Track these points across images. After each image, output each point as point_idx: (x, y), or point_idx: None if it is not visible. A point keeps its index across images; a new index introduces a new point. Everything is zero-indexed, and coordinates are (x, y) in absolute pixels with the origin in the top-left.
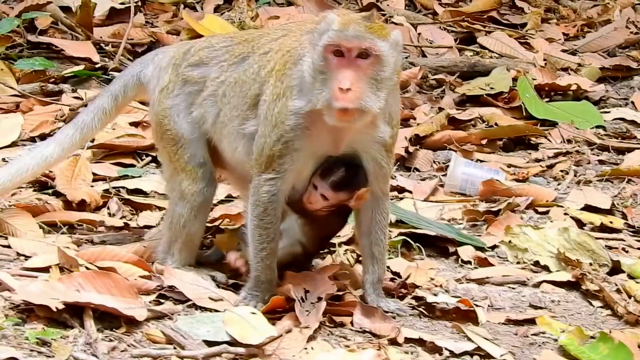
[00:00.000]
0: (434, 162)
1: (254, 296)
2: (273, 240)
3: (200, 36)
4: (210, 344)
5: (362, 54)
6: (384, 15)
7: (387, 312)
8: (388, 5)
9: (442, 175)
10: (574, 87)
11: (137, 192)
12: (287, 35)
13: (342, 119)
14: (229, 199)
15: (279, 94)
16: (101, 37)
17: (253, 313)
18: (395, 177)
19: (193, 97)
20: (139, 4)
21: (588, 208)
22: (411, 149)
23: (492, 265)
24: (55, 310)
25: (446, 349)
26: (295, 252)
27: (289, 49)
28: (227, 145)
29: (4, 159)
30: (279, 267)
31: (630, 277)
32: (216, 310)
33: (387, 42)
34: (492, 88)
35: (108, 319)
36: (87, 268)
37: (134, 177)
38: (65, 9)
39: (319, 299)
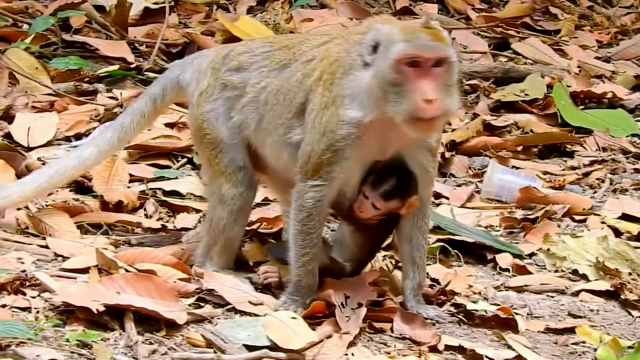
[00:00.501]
0: (470, 168)
1: (294, 301)
2: (316, 246)
3: (235, 37)
4: (250, 348)
5: (437, 62)
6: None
7: (426, 319)
8: (421, 9)
9: (478, 182)
10: (609, 95)
11: (174, 193)
12: (329, 42)
13: (427, 129)
14: (265, 202)
15: (327, 103)
16: (135, 37)
17: (293, 318)
18: None
19: (232, 102)
20: (172, 4)
21: (625, 217)
22: (447, 154)
23: (531, 273)
24: (95, 312)
25: (487, 357)
26: (345, 266)
27: (336, 58)
28: (271, 152)
29: (39, 159)
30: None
31: None
32: (256, 315)
33: (451, 47)
34: (526, 94)
35: (148, 321)
36: (127, 270)
37: (170, 178)
38: (99, 8)
39: (360, 304)
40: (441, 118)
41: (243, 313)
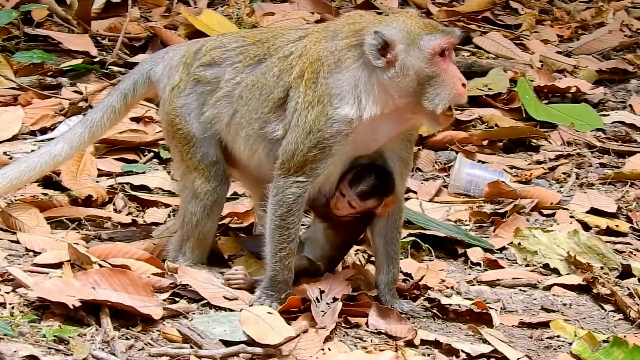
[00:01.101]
0: (436, 162)
1: (269, 296)
2: (293, 241)
3: (198, 31)
4: (227, 343)
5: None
6: (379, 13)
7: (401, 313)
8: (381, 3)
9: (445, 176)
10: (573, 90)
11: (142, 188)
12: (305, 37)
13: (452, 117)
14: (234, 196)
15: (312, 102)
16: (97, 31)
17: (270, 313)
18: None
19: (205, 97)
20: None
21: (593, 211)
22: (414, 149)
23: (502, 267)
24: (72, 307)
25: (463, 351)
26: (315, 264)
27: (317, 57)
28: (244, 146)
29: (5, 153)
30: (298, 274)
31: None
32: (231, 310)
33: None
34: (490, 89)
35: (124, 316)
36: (101, 265)
37: (138, 173)
38: (60, 2)
39: (335, 299)
40: None
41: (218, 308)
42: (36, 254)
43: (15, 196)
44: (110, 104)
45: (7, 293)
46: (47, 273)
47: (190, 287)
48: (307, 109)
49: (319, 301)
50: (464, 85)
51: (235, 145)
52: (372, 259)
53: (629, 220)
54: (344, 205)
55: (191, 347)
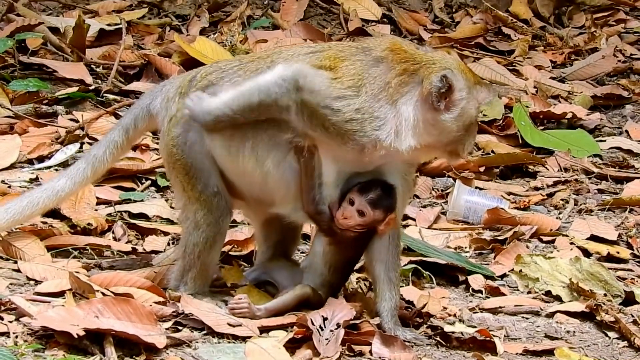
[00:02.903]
0: (434, 189)
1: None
2: None
3: (192, 59)
4: None
5: None
6: None
7: (405, 341)
8: (374, 30)
9: (443, 203)
10: (569, 115)
11: (141, 216)
12: (321, 52)
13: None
14: (234, 224)
15: (358, 109)
16: (92, 59)
17: (275, 345)
18: None
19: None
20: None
21: (593, 238)
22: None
23: (504, 294)
24: (76, 336)
25: None
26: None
27: (358, 73)
28: (249, 159)
29: (3, 181)
30: (299, 306)
31: None
32: (235, 336)
33: None
34: (485, 115)
35: (127, 345)
36: (104, 294)
37: (136, 201)
38: (54, 30)
39: (338, 325)
40: None
41: (221, 336)
42: (37, 282)
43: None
44: (113, 139)
45: (11, 322)
46: (50, 302)
47: (193, 315)
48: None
49: (322, 329)
50: None
51: (238, 161)
52: (374, 286)
53: (629, 246)
54: (352, 214)
55: None
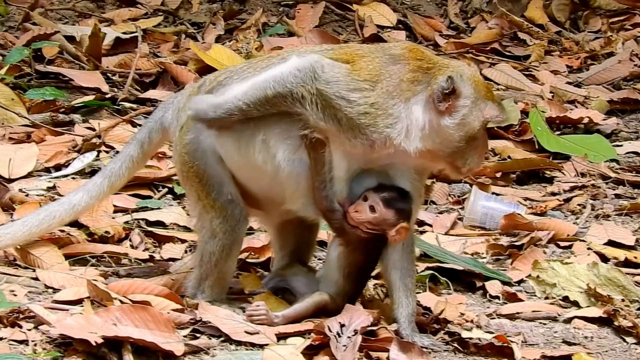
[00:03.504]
0: (450, 195)
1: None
2: None
3: (208, 66)
4: None
5: None
6: None
7: (422, 347)
8: (389, 36)
9: (460, 209)
10: (585, 120)
11: (158, 224)
12: (333, 51)
13: (472, 171)
14: (250, 231)
15: (373, 104)
16: (108, 67)
17: (293, 352)
18: None
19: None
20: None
21: (611, 243)
22: (427, 181)
23: (521, 300)
24: (94, 344)
25: None
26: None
27: (375, 70)
28: (258, 153)
29: (20, 190)
30: (316, 313)
31: None
32: (252, 344)
33: None
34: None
35: (145, 353)
36: (122, 302)
37: (153, 208)
38: (69, 39)
39: (355, 332)
40: None
41: (239, 344)
42: (55, 290)
43: None
44: (128, 154)
45: (29, 330)
46: (68, 310)
47: (211, 323)
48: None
49: (339, 336)
50: (486, 154)
51: (248, 156)
52: (390, 293)
53: None
54: (364, 209)
55: None
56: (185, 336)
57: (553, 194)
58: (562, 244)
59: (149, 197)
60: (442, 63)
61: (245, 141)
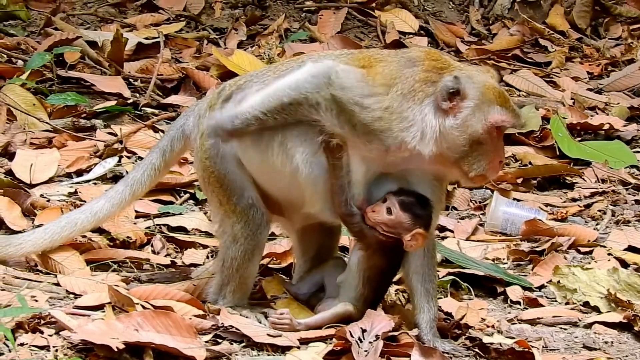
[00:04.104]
0: (471, 200)
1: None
2: None
3: (230, 72)
4: None
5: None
6: None
7: (444, 352)
8: (411, 42)
9: (481, 214)
10: (606, 127)
11: (179, 229)
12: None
13: (485, 180)
14: (272, 237)
15: (387, 107)
16: (129, 72)
17: (315, 358)
18: None
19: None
20: (164, 39)
21: (631, 249)
22: (449, 187)
23: (542, 305)
24: (115, 350)
25: None
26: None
27: (392, 73)
28: (277, 155)
29: (42, 195)
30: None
31: None
32: (274, 349)
33: None
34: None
35: (167, 358)
36: (143, 307)
37: (175, 214)
38: (91, 44)
39: (377, 337)
40: None
41: (260, 349)
42: (77, 296)
43: None
44: (150, 162)
45: (50, 336)
46: (89, 315)
47: (233, 328)
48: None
49: (361, 341)
50: (501, 163)
51: (267, 158)
52: (412, 298)
53: None
54: (381, 210)
55: None
56: (207, 342)
57: (574, 199)
58: (582, 249)
59: (171, 202)
60: (457, 66)
61: (265, 144)
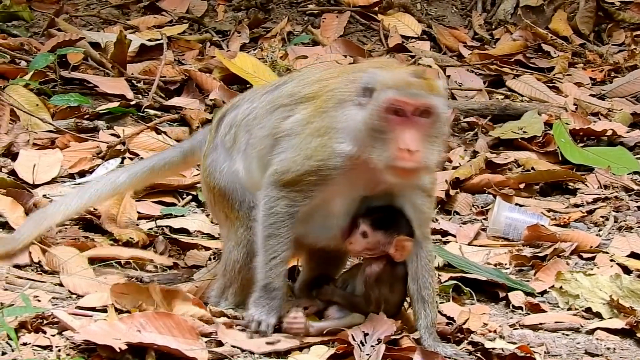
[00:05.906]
0: (474, 205)
1: (263, 305)
2: (285, 251)
3: (233, 74)
4: None
5: (423, 112)
6: (412, 57)
7: (445, 357)
8: (414, 46)
9: (483, 219)
10: (609, 133)
11: (182, 231)
12: (330, 69)
13: (405, 176)
14: None
15: (318, 131)
16: (132, 74)
17: None
18: (437, 220)
19: (230, 143)
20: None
21: (634, 255)
22: (451, 192)
23: (544, 311)
24: (118, 350)
25: None
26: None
27: (333, 88)
28: (257, 167)
29: (45, 196)
30: None
31: None
32: (277, 353)
33: (441, 97)
34: (524, 132)
35: (169, 359)
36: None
37: (177, 216)
38: (94, 45)
39: (379, 341)
40: (420, 169)
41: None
42: (79, 296)
43: (55, 239)
44: (170, 157)
45: (53, 336)
46: (92, 316)
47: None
48: (312, 135)
49: (363, 344)
50: (409, 151)
51: (251, 170)
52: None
53: None
54: (357, 237)
55: None
56: (208, 343)
57: (576, 205)
58: (585, 255)
59: (173, 204)
60: (380, 65)
61: (249, 162)
